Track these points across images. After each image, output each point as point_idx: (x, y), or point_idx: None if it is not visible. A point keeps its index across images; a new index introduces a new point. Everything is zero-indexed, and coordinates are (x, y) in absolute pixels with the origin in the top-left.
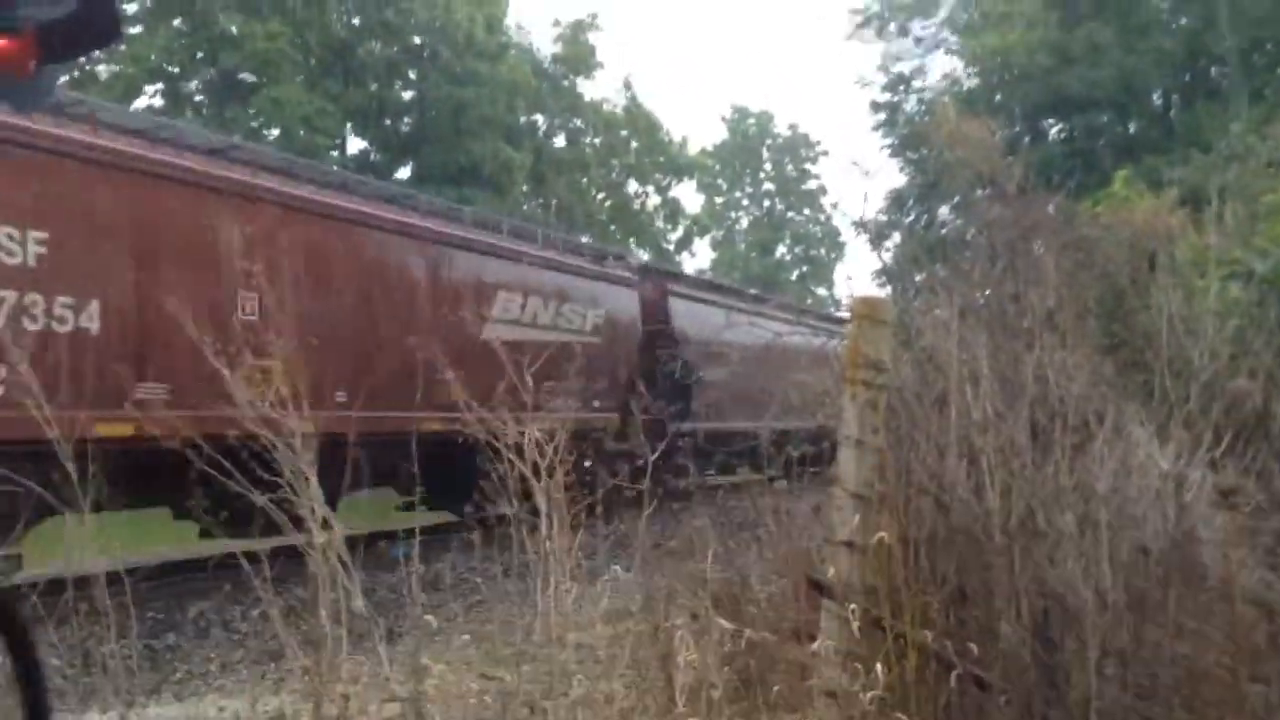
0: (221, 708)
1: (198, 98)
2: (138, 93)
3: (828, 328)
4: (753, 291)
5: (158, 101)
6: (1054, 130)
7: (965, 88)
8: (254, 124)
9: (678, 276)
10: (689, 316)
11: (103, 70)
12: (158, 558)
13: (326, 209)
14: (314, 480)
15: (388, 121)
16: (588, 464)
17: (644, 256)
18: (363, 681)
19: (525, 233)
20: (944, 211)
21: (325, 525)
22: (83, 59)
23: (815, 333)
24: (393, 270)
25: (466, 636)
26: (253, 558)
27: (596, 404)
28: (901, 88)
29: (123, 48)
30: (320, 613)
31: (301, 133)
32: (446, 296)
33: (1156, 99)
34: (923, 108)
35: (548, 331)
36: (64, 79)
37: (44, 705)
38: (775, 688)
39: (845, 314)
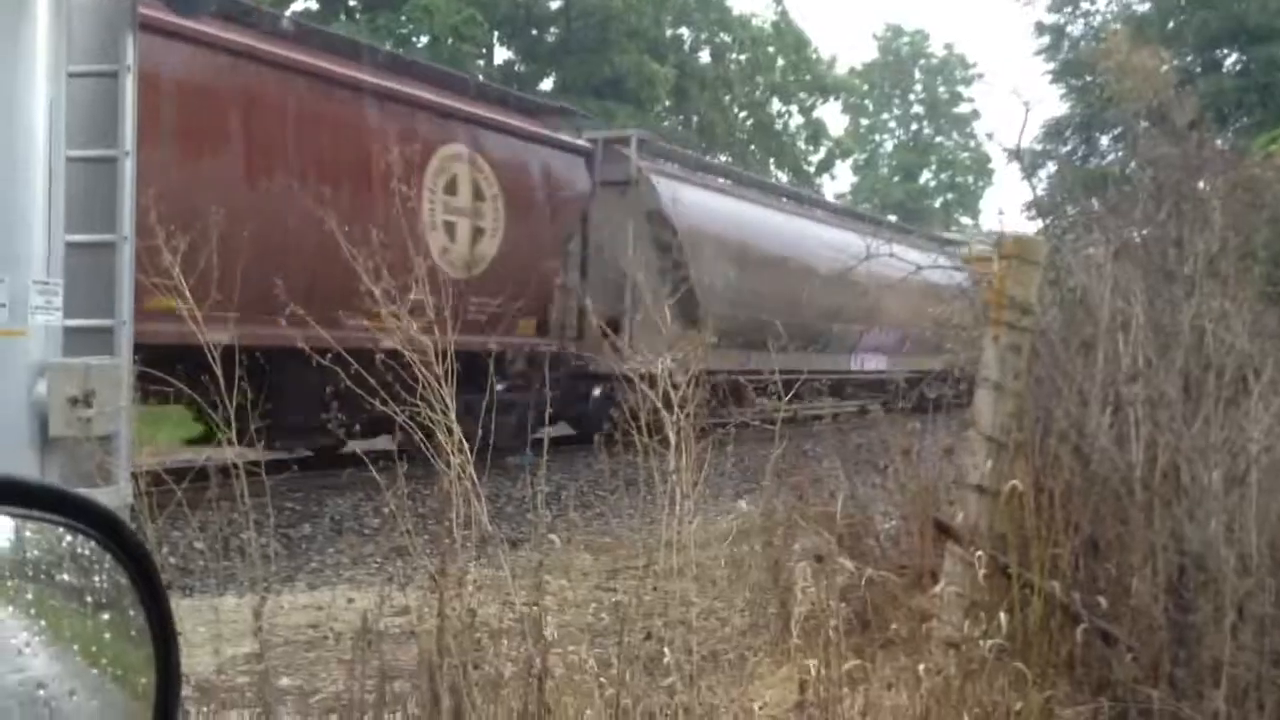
0: (351, 599)
1: (351, 3)
2: None
3: None
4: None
5: (313, 6)
6: (1230, 61)
7: (1137, 12)
8: (403, 30)
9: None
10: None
11: None
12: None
13: None
14: (451, 399)
15: (534, 31)
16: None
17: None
18: (485, 587)
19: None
20: (1104, 143)
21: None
22: None
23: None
24: None
25: (588, 557)
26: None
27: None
28: (1069, 9)
29: None
30: (450, 527)
31: (450, 40)
32: None
33: None
34: (1091, 32)
35: None
36: None
37: (171, 630)
38: (893, 626)
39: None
